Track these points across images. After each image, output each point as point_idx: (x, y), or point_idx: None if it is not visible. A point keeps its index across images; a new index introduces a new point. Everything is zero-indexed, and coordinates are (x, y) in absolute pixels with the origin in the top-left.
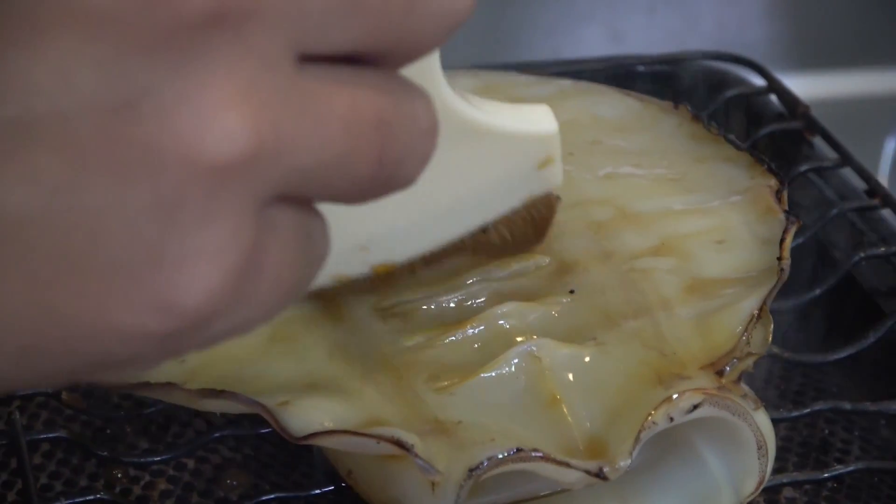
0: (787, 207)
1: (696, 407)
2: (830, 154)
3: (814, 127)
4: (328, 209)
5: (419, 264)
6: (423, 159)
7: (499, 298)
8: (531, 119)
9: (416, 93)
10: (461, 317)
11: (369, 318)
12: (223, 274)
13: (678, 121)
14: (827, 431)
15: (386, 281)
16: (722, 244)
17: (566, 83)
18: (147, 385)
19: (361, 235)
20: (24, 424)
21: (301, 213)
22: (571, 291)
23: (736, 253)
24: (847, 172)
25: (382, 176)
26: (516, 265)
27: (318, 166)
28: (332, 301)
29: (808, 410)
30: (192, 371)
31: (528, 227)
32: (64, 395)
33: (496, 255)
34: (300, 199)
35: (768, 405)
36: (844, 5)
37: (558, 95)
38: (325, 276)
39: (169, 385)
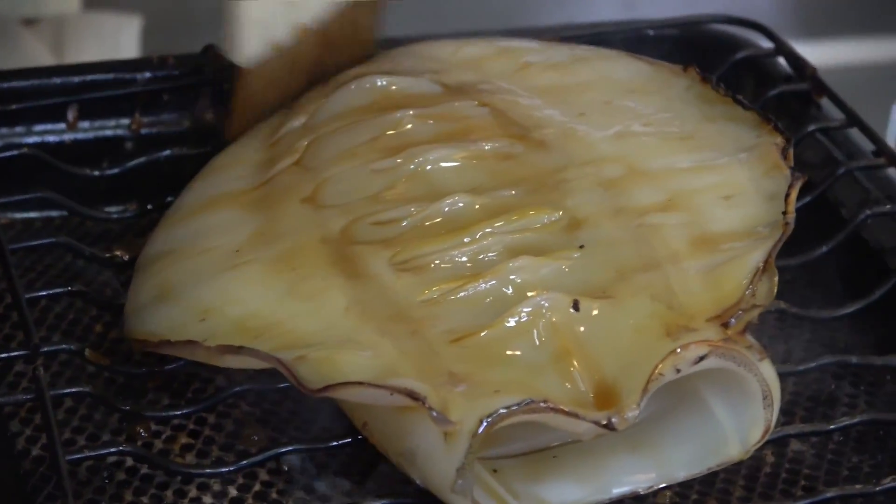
0: (792, 164)
1: (702, 358)
2: (838, 115)
3: (821, 88)
4: None
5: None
6: None
7: (510, 253)
8: None
9: None
10: (474, 271)
11: (384, 273)
12: None
13: (688, 83)
14: (834, 386)
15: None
16: (729, 199)
17: (579, 49)
18: (169, 343)
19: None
20: (48, 381)
21: None
22: (582, 246)
23: (742, 208)
24: (854, 133)
25: None
26: (527, 219)
27: None
28: (348, 257)
29: (814, 364)
30: (211, 329)
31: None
32: (87, 352)
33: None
34: None
35: (776, 360)
36: None
37: (571, 60)
38: (265, 42)
39: (190, 343)
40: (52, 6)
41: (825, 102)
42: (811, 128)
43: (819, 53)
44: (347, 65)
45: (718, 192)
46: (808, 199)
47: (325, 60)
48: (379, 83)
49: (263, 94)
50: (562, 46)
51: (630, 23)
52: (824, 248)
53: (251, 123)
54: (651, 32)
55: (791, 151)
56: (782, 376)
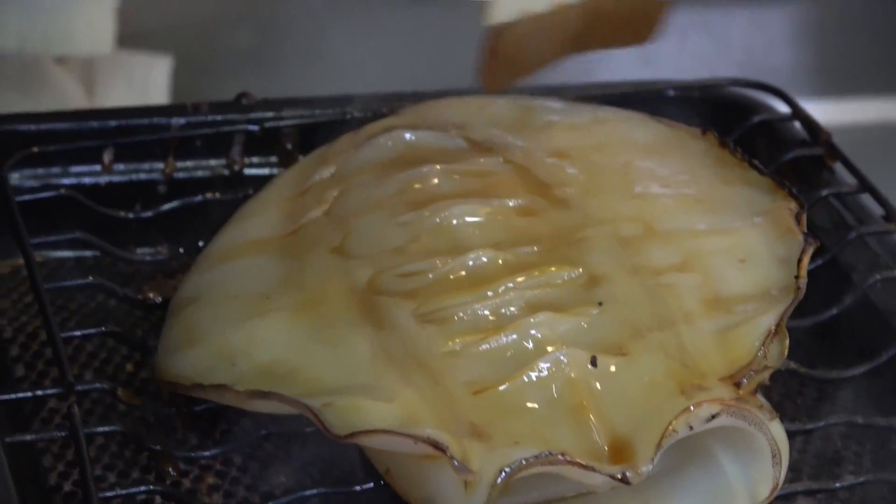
0: (806, 229)
1: (714, 416)
2: (850, 180)
3: (835, 153)
4: None
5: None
6: None
7: (531, 308)
8: None
9: None
10: (495, 325)
11: (409, 323)
12: None
13: (706, 146)
14: (840, 445)
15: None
16: (743, 262)
17: (601, 111)
18: (200, 386)
19: None
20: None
21: None
22: (600, 303)
23: (756, 271)
24: (866, 198)
25: None
26: (547, 275)
27: None
28: (374, 307)
29: (822, 423)
30: (241, 373)
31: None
32: (120, 392)
33: (629, 32)
34: None
35: (785, 418)
36: (867, 33)
37: (592, 121)
38: (517, 7)
39: (220, 387)
40: (86, 47)
41: (838, 166)
42: (824, 192)
43: (834, 111)
44: (615, 46)
45: (733, 254)
46: (819, 261)
47: (588, 37)
48: (406, 137)
49: (515, 56)
50: (584, 107)
51: (650, 83)
52: (834, 311)
53: (503, 83)
54: (672, 93)
55: (804, 217)
56: (790, 434)
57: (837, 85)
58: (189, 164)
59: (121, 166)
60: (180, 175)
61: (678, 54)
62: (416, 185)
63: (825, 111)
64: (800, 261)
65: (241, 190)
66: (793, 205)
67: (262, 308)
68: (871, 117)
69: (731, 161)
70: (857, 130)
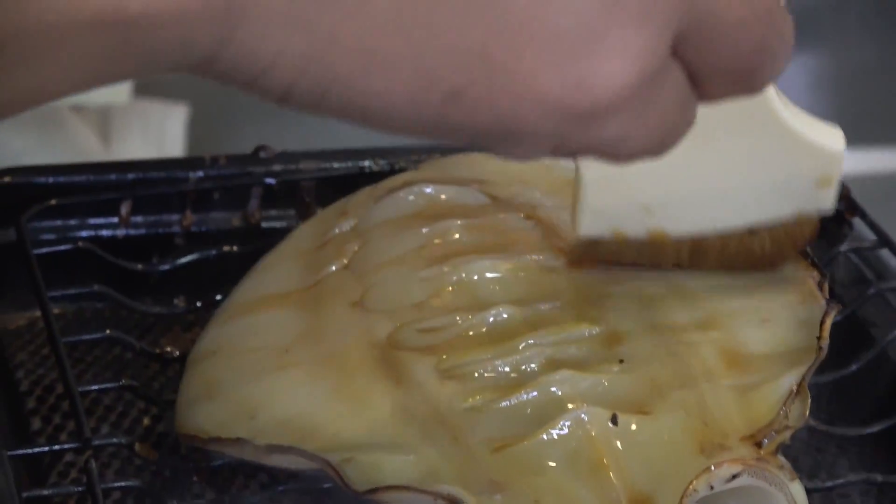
0: (828, 296)
1: (735, 476)
2: (869, 235)
3: (854, 208)
4: (629, 168)
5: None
6: (781, 66)
7: (552, 365)
8: (823, 134)
9: (788, 15)
10: (516, 381)
11: (429, 379)
12: (635, 75)
13: None
14: (859, 502)
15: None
16: (765, 322)
17: None
18: (218, 440)
19: (649, 196)
20: (97, 472)
21: (687, 81)
22: (621, 361)
23: (778, 331)
24: (885, 253)
25: (756, 61)
26: (568, 332)
27: (718, 22)
28: (394, 362)
29: (841, 481)
30: (260, 428)
31: (785, 243)
32: (137, 446)
33: (743, 267)
34: (692, 65)
35: (804, 475)
36: (885, 83)
37: None
38: (607, 227)
39: (239, 441)
40: (103, 96)
41: (857, 220)
42: (843, 248)
43: (853, 162)
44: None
45: (755, 315)
46: (838, 318)
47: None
48: (427, 191)
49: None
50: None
51: None
52: (854, 367)
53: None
54: None
55: (826, 284)
56: (809, 492)
57: (855, 136)
58: (206, 216)
59: (138, 219)
60: (198, 228)
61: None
62: (437, 240)
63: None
64: (822, 322)
65: (258, 243)
66: (815, 274)
67: (281, 362)
68: (891, 168)
69: None
70: (875, 182)
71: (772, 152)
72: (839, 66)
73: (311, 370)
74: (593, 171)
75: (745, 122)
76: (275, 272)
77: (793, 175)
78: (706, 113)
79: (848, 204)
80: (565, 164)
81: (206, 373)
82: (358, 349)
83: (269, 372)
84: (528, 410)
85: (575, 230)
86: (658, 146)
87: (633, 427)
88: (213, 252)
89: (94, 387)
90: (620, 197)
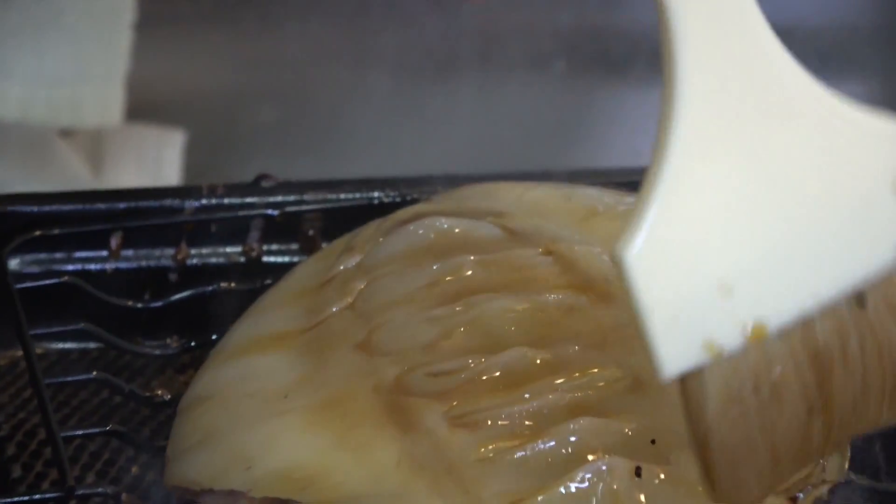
0: None
1: None
2: None
3: None
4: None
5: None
6: None
7: (571, 412)
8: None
9: None
10: (532, 430)
11: (438, 427)
12: None
13: None
14: None
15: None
16: None
17: None
18: (211, 492)
19: (722, 269)
20: None
21: None
22: (646, 408)
23: None
24: None
25: None
26: (590, 377)
27: None
28: (401, 408)
29: None
30: (256, 478)
31: None
32: (124, 497)
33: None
34: None
35: None
36: None
37: None
38: (696, 344)
39: (233, 493)
40: (94, 118)
41: None
42: None
43: None
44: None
45: None
46: None
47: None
48: (438, 224)
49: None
50: (632, 197)
51: None
52: None
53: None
54: None
55: None
56: None
57: None
58: (203, 250)
59: (129, 252)
60: (193, 262)
61: None
62: (449, 278)
63: None
64: None
65: (258, 279)
66: None
67: (280, 408)
68: None
69: None
70: None
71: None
72: (887, 93)
73: (312, 417)
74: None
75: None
76: (275, 311)
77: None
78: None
79: None
80: (584, 192)
81: (200, 419)
82: (362, 394)
83: (267, 419)
84: (546, 461)
85: (660, 373)
86: None
87: (658, 479)
88: (210, 289)
89: (79, 432)
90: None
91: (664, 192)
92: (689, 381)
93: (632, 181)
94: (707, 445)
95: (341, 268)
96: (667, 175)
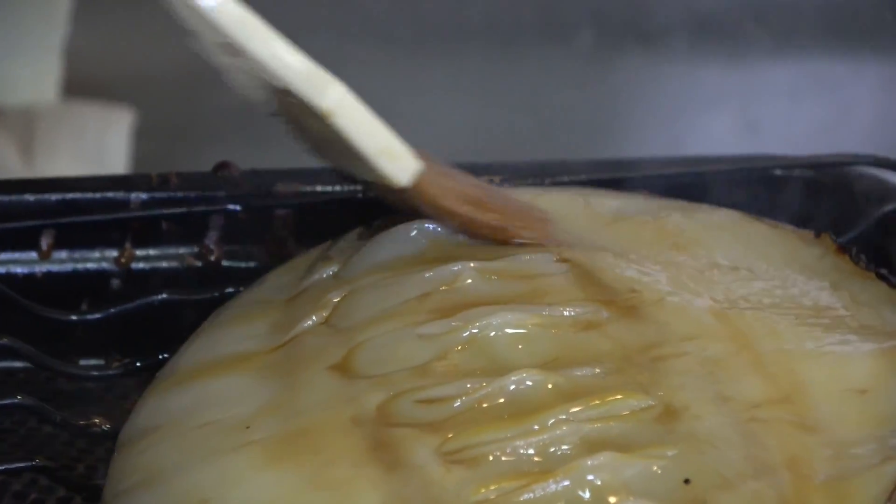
0: None
1: None
2: None
3: None
4: None
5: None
6: None
7: (589, 447)
8: None
9: None
10: (542, 467)
11: (430, 464)
12: None
13: (820, 252)
14: None
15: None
16: (864, 395)
17: (681, 203)
18: None
19: None
20: None
21: None
22: (678, 442)
23: (880, 405)
24: None
25: None
26: (611, 405)
27: None
28: (386, 442)
29: None
30: None
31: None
32: None
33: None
34: None
35: None
36: None
37: (671, 215)
38: None
39: None
40: (24, 93)
41: None
42: None
43: None
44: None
45: (850, 384)
46: None
47: None
48: (431, 227)
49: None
50: (656, 202)
51: (752, 159)
52: None
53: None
54: (778, 173)
55: None
56: None
57: None
58: (151, 252)
59: (63, 253)
60: (139, 266)
61: (790, 120)
62: (444, 287)
63: None
64: None
65: (217, 288)
66: None
67: (240, 440)
68: None
69: (853, 271)
70: None
71: None
72: None
73: (278, 451)
74: None
75: None
76: (235, 328)
77: None
78: None
79: None
80: (604, 197)
81: (144, 454)
82: (338, 425)
83: (224, 453)
84: None
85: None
86: None
87: None
88: (159, 298)
89: (1, 467)
90: None
91: None
92: None
93: (669, 174)
94: None
95: (316, 277)
96: None
